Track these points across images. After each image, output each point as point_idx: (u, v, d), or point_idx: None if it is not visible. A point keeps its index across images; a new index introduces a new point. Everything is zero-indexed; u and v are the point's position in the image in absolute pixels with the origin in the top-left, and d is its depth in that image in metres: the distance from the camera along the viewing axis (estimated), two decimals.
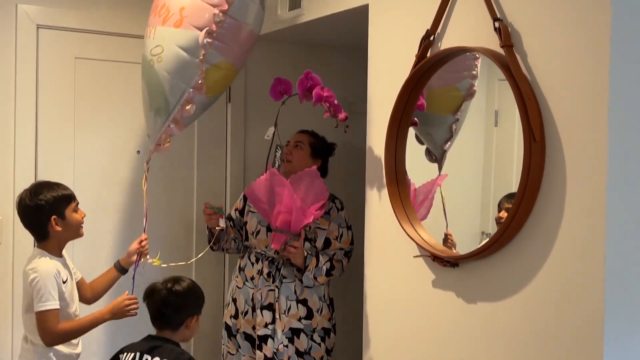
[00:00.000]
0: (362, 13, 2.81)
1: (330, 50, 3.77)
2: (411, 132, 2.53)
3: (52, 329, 2.49)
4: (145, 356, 2.37)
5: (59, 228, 2.55)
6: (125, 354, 2.42)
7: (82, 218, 2.65)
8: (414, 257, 2.50)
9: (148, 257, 2.87)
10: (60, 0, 3.24)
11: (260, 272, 2.99)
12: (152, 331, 2.50)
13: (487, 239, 2.23)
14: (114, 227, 3.41)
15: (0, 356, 3.16)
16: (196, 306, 2.51)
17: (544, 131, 2.05)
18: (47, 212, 2.53)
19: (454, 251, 2.39)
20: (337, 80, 3.64)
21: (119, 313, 2.63)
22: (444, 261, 2.35)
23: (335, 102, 2.73)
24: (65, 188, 2.63)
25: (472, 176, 2.46)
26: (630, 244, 1.96)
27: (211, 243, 3.09)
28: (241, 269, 3.08)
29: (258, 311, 2.95)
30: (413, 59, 2.46)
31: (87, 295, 2.78)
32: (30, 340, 2.59)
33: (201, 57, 2.68)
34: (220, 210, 3.04)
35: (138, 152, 3.44)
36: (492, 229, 2.26)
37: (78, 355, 2.68)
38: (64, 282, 2.57)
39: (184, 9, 2.67)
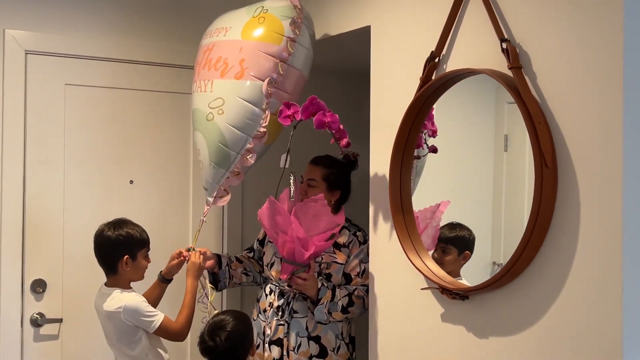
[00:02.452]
0: (364, 35, 2.83)
1: (331, 74, 3.79)
2: None
3: (175, 330, 2.82)
4: None
5: (127, 268, 2.79)
6: None
7: (147, 264, 2.88)
8: (422, 289, 2.49)
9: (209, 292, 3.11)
10: (49, 26, 3.26)
11: (271, 305, 2.97)
12: None
13: (499, 270, 2.22)
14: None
15: None
16: (248, 345, 2.64)
17: (555, 156, 2.05)
18: (123, 249, 2.78)
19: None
20: (341, 105, 3.65)
21: (198, 273, 2.95)
22: (453, 294, 2.34)
23: (340, 127, 2.73)
24: (144, 232, 2.87)
25: (482, 203, 2.45)
26: None
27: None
28: (257, 300, 3.08)
29: (267, 346, 2.92)
30: (417, 82, 2.47)
31: None
32: None
33: (264, 106, 2.82)
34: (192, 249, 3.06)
35: (131, 181, 3.44)
36: (504, 259, 2.24)
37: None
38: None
39: (244, 60, 2.83)
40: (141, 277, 2.88)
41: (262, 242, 3.21)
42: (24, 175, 3.20)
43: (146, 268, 2.87)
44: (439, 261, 2.45)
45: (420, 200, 2.55)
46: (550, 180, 2.04)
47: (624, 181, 1.90)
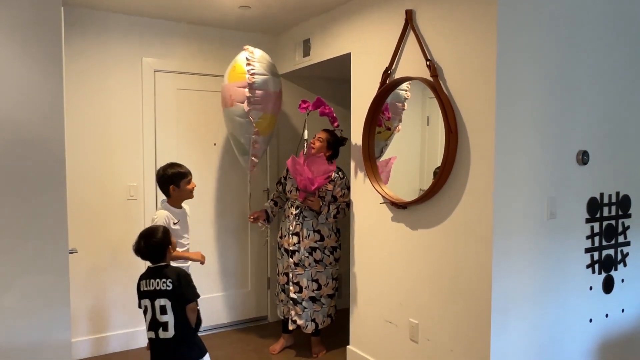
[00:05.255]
0: (347, 57, 2.79)
1: (329, 81, 3.74)
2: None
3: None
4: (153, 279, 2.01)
5: (175, 192, 2.51)
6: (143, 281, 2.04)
7: (193, 188, 2.55)
8: (380, 203, 2.51)
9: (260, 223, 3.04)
10: (169, 53, 3.21)
11: (291, 213, 2.99)
12: None
13: (423, 193, 2.24)
14: (199, 189, 3.38)
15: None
16: (167, 241, 2.05)
17: (457, 127, 2.05)
18: (168, 182, 2.50)
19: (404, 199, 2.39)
20: (333, 99, 3.63)
21: (195, 258, 2.52)
22: (398, 205, 2.36)
23: (334, 115, 2.75)
24: (183, 168, 2.54)
25: (414, 155, 2.45)
26: (507, 194, 1.98)
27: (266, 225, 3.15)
28: (284, 211, 3.09)
29: (290, 235, 2.96)
30: (378, 85, 2.45)
31: None
32: None
33: (250, 118, 2.76)
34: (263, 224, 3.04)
35: (214, 144, 3.43)
36: (426, 186, 2.26)
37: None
38: (174, 224, 2.48)
39: (231, 95, 2.80)
40: (190, 197, 2.55)
41: (285, 177, 3.15)
42: (155, 143, 3.18)
43: (192, 191, 2.54)
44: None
45: (385, 155, 2.54)
46: (454, 140, 2.05)
47: (495, 139, 1.91)
